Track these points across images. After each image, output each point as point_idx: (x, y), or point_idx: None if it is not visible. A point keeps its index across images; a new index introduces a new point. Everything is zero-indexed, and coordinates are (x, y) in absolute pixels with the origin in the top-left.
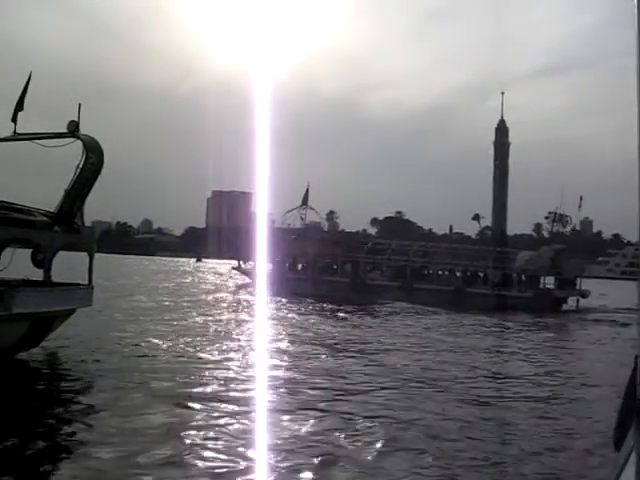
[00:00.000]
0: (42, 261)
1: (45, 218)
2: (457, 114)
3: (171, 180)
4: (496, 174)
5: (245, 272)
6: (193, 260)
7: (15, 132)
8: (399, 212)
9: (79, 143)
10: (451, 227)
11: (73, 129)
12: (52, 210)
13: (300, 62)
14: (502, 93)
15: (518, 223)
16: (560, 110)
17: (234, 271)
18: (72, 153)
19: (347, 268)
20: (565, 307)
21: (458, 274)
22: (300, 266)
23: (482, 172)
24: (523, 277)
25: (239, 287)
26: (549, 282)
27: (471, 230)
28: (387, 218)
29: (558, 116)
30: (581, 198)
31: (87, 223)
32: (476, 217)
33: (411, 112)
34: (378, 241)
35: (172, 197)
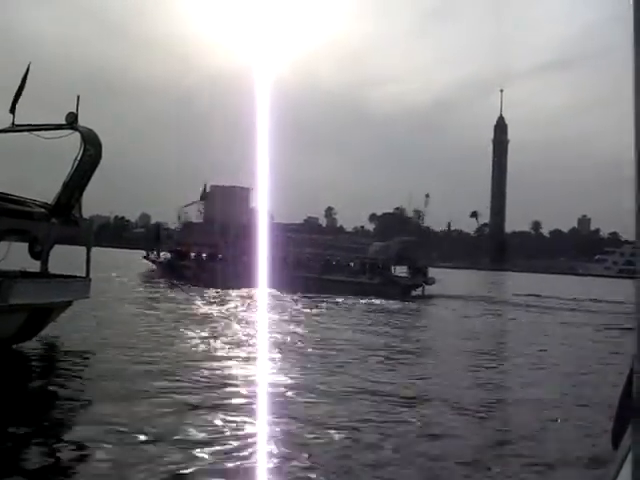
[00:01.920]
0: (40, 253)
1: (43, 210)
2: (457, 111)
3: (170, 174)
4: (495, 171)
5: (152, 260)
6: None
7: (13, 123)
8: (397, 208)
9: (77, 135)
10: (449, 224)
11: (71, 121)
12: (50, 202)
13: (302, 57)
14: (501, 90)
15: (517, 220)
16: (559, 107)
17: (144, 260)
18: (70, 145)
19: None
20: (415, 293)
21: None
22: (193, 255)
23: (481, 169)
24: (380, 266)
25: (144, 274)
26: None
27: (469, 227)
28: (385, 214)
29: (557, 113)
30: (427, 196)
31: (85, 216)
32: (474, 214)
33: (411, 109)
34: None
35: (170, 191)
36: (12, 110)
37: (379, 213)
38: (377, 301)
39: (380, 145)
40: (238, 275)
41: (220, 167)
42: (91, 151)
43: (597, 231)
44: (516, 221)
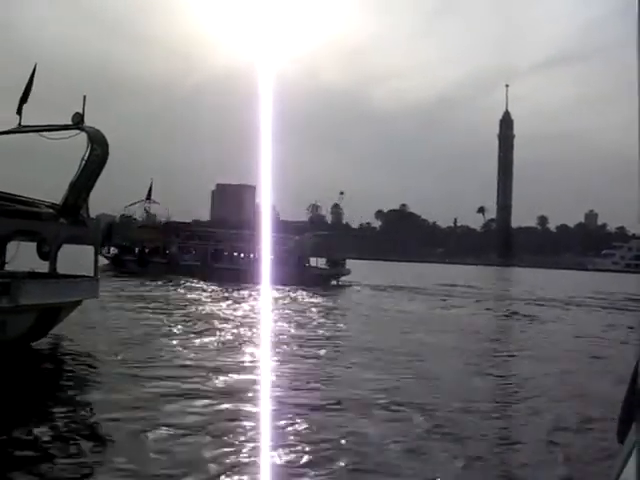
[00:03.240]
0: (48, 253)
1: (51, 210)
2: (461, 107)
3: (175, 172)
4: (501, 167)
5: (104, 256)
6: None
7: (20, 124)
8: (404, 205)
9: (84, 135)
10: (455, 220)
11: (78, 121)
12: (57, 202)
13: (305, 55)
14: (507, 86)
15: (523, 216)
16: (565, 102)
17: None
18: (77, 145)
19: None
20: (333, 283)
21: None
22: (137, 250)
23: (487, 165)
24: (298, 258)
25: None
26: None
27: (476, 223)
28: (391, 211)
29: (563, 108)
30: (341, 193)
31: (92, 216)
32: (481, 210)
33: (415, 105)
34: (194, 228)
35: (176, 189)
36: (19, 111)
37: (385, 210)
38: (290, 288)
39: (385, 142)
40: (174, 268)
41: (225, 165)
42: (98, 151)
43: (604, 226)
44: (523, 216)
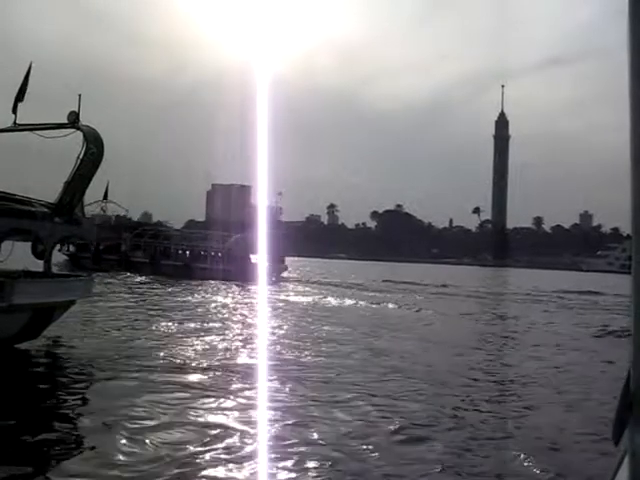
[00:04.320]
0: (42, 252)
1: (45, 209)
2: (457, 107)
3: (170, 172)
4: (496, 167)
5: (64, 253)
6: None
7: (15, 123)
8: (399, 205)
9: (79, 134)
10: (451, 220)
11: (73, 120)
12: (52, 201)
13: (300, 54)
14: (502, 86)
15: (518, 216)
16: (560, 103)
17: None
18: (72, 144)
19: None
20: (273, 278)
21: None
22: (92, 248)
23: (482, 165)
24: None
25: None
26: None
27: (471, 223)
28: (387, 211)
29: (559, 109)
30: (280, 193)
31: (87, 215)
32: (476, 210)
33: (411, 105)
34: (146, 227)
35: (171, 190)
36: (14, 110)
37: (380, 210)
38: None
39: (380, 142)
40: (125, 265)
41: (221, 165)
42: (93, 150)
43: (599, 227)
44: (518, 217)
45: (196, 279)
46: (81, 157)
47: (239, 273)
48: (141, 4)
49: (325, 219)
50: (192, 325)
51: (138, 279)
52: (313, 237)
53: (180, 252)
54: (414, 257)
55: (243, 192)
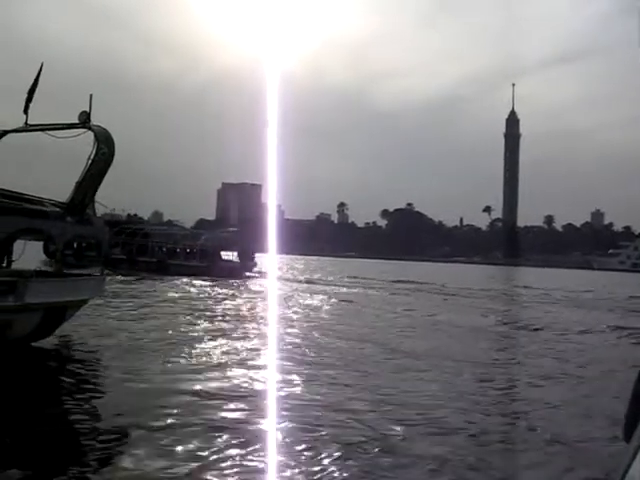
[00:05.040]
0: (54, 252)
1: (57, 209)
2: (468, 105)
3: (181, 171)
4: (507, 165)
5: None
6: None
7: (26, 123)
8: (410, 204)
9: (90, 134)
10: (461, 219)
11: (84, 120)
12: (64, 201)
13: (309, 53)
14: (513, 84)
15: (529, 215)
16: (571, 100)
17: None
18: (84, 144)
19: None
20: (248, 274)
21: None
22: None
23: (493, 163)
24: (210, 252)
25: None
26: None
27: (482, 222)
28: (397, 210)
29: (569, 106)
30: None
31: (98, 215)
32: (487, 209)
33: (421, 103)
34: (124, 225)
35: (182, 189)
36: (25, 110)
37: (391, 209)
38: (200, 279)
39: (390, 140)
40: (104, 261)
41: (231, 164)
42: (104, 150)
43: (610, 225)
44: (529, 215)
45: (170, 275)
46: (92, 157)
47: (209, 269)
48: (151, 2)
49: (335, 218)
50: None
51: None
52: (323, 236)
53: (157, 249)
54: (424, 256)
55: (253, 191)
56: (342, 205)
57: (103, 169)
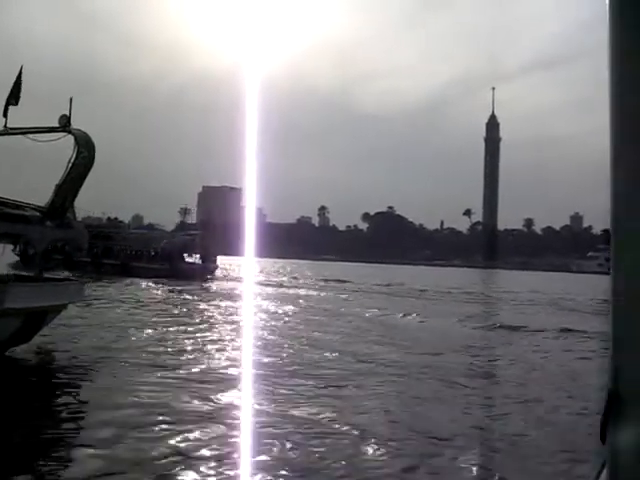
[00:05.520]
0: (34, 256)
1: (37, 213)
2: (449, 109)
3: (162, 174)
4: (487, 169)
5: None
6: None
7: (6, 126)
8: (391, 207)
9: (71, 137)
10: (442, 222)
11: (64, 123)
12: (43, 205)
13: (292, 56)
14: (493, 88)
15: (509, 218)
16: (551, 105)
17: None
18: (64, 147)
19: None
20: (210, 276)
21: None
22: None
23: (474, 167)
24: (171, 255)
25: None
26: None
27: (462, 225)
28: (378, 213)
29: (550, 111)
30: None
31: (78, 218)
32: (467, 212)
33: (403, 106)
34: (89, 228)
35: (163, 192)
36: (5, 113)
37: (372, 212)
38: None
39: (371, 143)
40: (69, 264)
41: (212, 167)
42: (84, 153)
43: (589, 228)
44: (509, 219)
45: (134, 277)
46: (72, 160)
47: (171, 271)
48: (132, 4)
49: (316, 221)
50: None
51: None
52: (303, 239)
53: (121, 252)
54: (405, 259)
55: (234, 194)
56: (323, 208)
57: (83, 173)
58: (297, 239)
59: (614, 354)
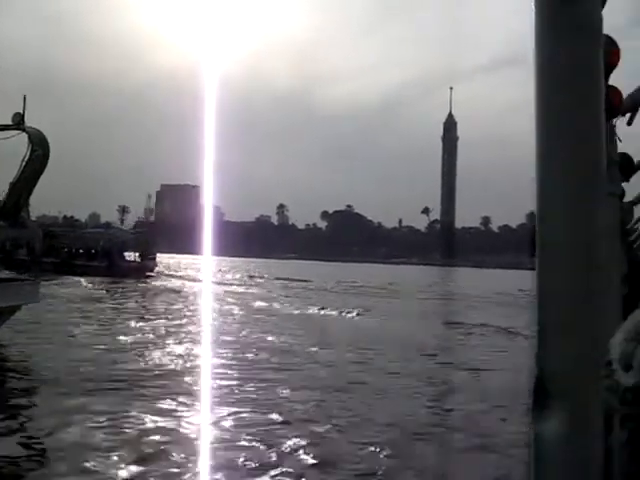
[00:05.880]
0: None
1: None
2: (407, 108)
3: (121, 173)
4: (445, 168)
5: None
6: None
7: None
8: (349, 206)
9: (25, 135)
10: (400, 220)
11: (18, 121)
12: None
13: (250, 54)
14: (451, 88)
15: (467, 216)
16: (508, 104)
17: None
18: (17, 146)
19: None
20: (149, 273)
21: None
22: None
23: (432, 166)
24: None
25: None
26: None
27: (420, 223)
28: (337, 212)
29: (506, 110)
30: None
31: (32, 217)
32: (425, 210)
33: (362, 106)
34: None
35: (121, 190)
36: None
37: (331, 211)
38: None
39: (330, 143)
40: (8, 262)
41: (170, 165)
42: (39, 151)
43: None
44: (466, 217)
45: (73, 275)
46: (26, 159)
47: (109, 269)
48: (90, 3)
49: (275, 219)
50: None
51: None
52: (263, 238)
53: (62, 250)
54: (364, 257)
55: (192, 192)
56: (282, 207)
57: (38, 171)
58: (257, 238)
59: (538, 347)
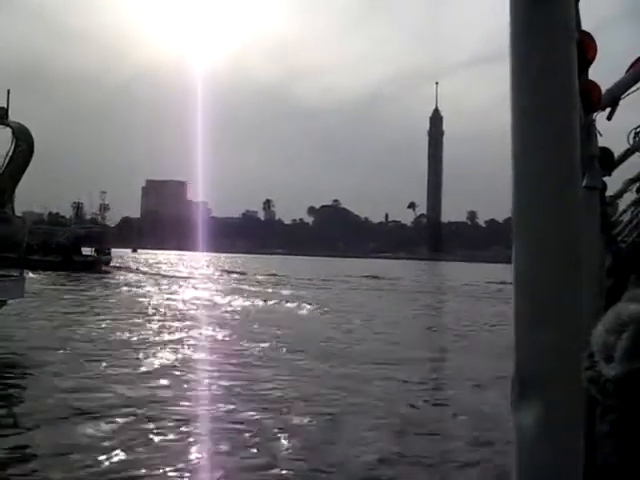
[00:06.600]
0: None
1: None
2: (392, 103)
3: (107, 168)
4: (431, 163)
5: None
6: (129, 250)
7: None
8: (336, 201)
9: (8, 130)
10: (387, 215)
11: (1, 116)
12: None
13: (236, 48)
14: (436, 83)
15: (453, 211)
16: (494, 99)
17: None
18: (2, 140)
19: None
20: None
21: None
22: None
23: (418, 161)
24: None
25: None
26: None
27: (407, 218)
28: (323, 207)
29: (492, 105)
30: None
31: (17, 213)
32: (411, 205)
33: (347, 101)
34: None
35: (104, 186)
36: None
37: (317, 206)
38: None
39: (317, 138)
40: None
41: (156, 161)
42: (23, 146)
43: None
44: (453, 211)
45: (30, 269)
46: (10, 154)
47: (64, 264)
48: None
49: (262, 215)
50: None
51: None
52: (250, 233)
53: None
54: (350, 252)
55: (178, 188)
56: (268, 202)
57: (22, 166)
58: (244, 233)
59: (516, 338)
